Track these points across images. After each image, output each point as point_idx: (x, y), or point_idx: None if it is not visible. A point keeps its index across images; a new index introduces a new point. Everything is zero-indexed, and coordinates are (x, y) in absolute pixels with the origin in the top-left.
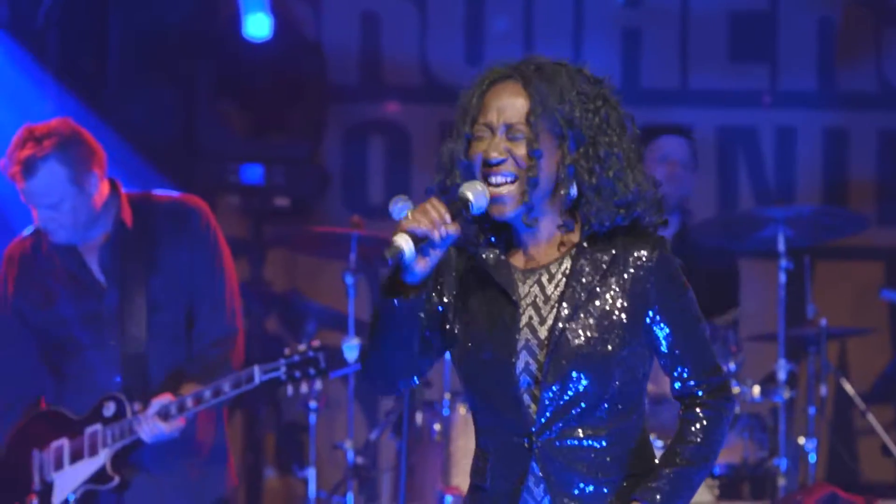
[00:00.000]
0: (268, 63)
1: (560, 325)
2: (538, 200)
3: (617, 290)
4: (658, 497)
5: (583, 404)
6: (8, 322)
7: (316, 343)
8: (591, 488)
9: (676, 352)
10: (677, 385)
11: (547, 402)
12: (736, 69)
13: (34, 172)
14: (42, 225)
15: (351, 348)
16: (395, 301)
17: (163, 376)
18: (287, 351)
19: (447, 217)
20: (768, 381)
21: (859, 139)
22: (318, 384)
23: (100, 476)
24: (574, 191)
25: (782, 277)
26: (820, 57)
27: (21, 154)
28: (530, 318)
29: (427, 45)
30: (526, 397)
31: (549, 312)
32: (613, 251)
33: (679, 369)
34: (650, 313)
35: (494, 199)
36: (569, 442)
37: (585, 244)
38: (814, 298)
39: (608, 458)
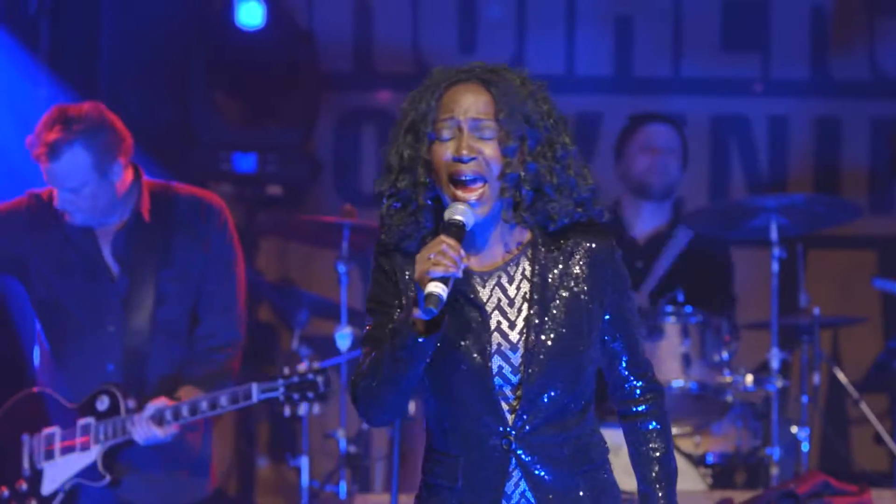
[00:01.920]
0: (260, 51)
1: (531, 326)
2: (509, 199)
3: (579, 285)
4: None
5: (557, 401)
6: None
7: (316, 365)
8: (566, 481)
9: (621, 343)
10: (623, 373)
11: (524, 402)
12: (729, 57)
13: (59, 156)
14: (61, 206)
15: (343, 337)
16: (425, 339)
17: (160, 372)
18: (286, 371)
19: (462, 251)
20: (761, 370)
21: (852, 128)
22: (316, 408)
23: (90, 472)
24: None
25: (775, 266)
26: (813, 45)
27: (49, 136)
28: (498, 322)
29: (420, 32)
30: (502, 400)
31: (518, 315)
32: (567, 247)
33: (621, 360)
34: (606, 305)
35: (473, 205)
36: (545, 438)
37: (539, 242)
38: (806, 287)
39: (578, 450)
